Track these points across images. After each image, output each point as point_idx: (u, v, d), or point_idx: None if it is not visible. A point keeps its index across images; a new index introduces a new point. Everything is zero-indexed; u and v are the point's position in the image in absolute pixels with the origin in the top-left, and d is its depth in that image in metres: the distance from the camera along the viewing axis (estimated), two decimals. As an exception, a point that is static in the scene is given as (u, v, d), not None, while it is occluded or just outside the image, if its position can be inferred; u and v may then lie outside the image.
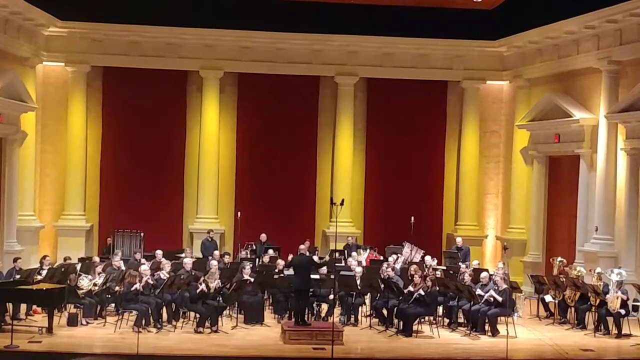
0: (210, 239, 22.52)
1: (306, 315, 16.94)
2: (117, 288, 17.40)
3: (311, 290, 17.20)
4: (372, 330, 17.32)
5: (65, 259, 19.46)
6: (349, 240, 22.78)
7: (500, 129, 25.31)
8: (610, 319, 17.21)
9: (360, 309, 18.15)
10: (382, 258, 21.35)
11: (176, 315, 17.34)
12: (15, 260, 18.25)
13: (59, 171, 24.00)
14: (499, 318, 17.15)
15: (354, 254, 21.29)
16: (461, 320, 17.74)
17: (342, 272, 18.68)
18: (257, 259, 20.87)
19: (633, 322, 17.50)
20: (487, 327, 17.06)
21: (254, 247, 22.14)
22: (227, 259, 20.27)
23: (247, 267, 18.29)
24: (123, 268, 18.54)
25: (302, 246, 21.00)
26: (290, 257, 19.66)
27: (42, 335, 15.73)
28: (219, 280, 17.38)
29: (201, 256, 21.55)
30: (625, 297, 17.17)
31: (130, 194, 24.02)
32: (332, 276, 18.28)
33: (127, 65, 23.73)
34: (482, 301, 17.10)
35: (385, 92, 24.78)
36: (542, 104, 22.75)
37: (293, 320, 16.91)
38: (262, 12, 23.43)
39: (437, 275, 18.39)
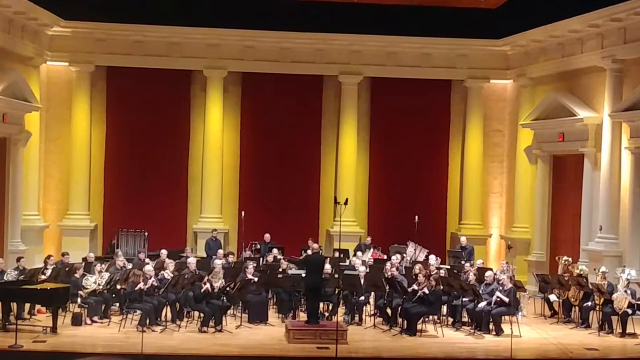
0: (214, 239, 22.53)
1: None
2: (118, 286, 17.42)
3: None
4: (376, 329, 17.31)
5: (63, 254, 19.49)
6: (369, 240, 22.74)
7: (504, 128, 25.28)
8: (614, 318, 17.18)
9: (364, 308, 18.16)
10: (385, 257, 21.34)
11: (180, 314, 17.35)
12: (18, 259, 18.29)
13: (63, 171, 24.02)
14: (503, 317, 17.14)
15: (358, 253, 21.31)
16: (465, 319, 17.73)
17: (346, 272, 18.68)
18: (261, 259, 20.89)
19: (637, 321, 17.47)
20: (491, 326, 17.04)
21: (258, 246, 22.15)
22: (231, 258, 20.30)
23: (251, 266, 18.32)
24: (129, 266, 18.60)
25: (314, 245, 20.99)
26: (304, 254, 19.71)
27: (47, 335, 15.76)
28: (223, 280, 17.40)
29: (205, 256, 21.57)
30: (632, 297, 17.14)
31: (134, 194, 24.04)
32: (337, 275, 18.29)
33: (131, 65, 23.74)
34: (492, 303, 17.03)
35: (388, 91, 24.75)
36: (546, 103, 22.72)
37: (302, 318, 16.92)
38: (266, 11, 23.43)
39: (441, 275, 18.39)
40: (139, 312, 16.66)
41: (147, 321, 16.49)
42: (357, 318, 17.86)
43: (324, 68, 24.38)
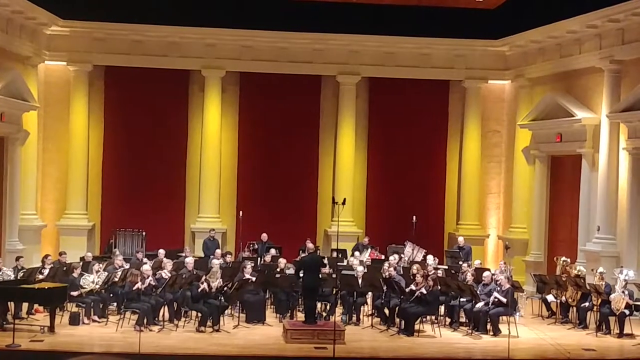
0: (211, 238, 22.53)
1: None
2: (114, 278, 17.40)
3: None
4: (374, 329, 17.32)
5: (60, 254, 19.48)
6: (366, 240, 22.74)
7: (502, 128, 25.29)
8: (612, 319, 17.19)
9: (362, 308, 18.16)
10: (383, 257, 21.35)
11: (178, 314, 17.34)
12: (17, 259, 18.29)
13: (61, 170, 24.00)
14: (500, 317, 17.15)
15: (356, 253, 21.31)
16: (463, 319, 17.74)
17: (343, 272, 18.68)
18: (259, 258, 20.89)
19: (635, 321, 17.49)
20: (488, 327, 17.05)
21: (256, 246, 22.15)
22: (228, 258, 20.30)
23: (249, 266, 18.32)
24: (126, 266, 18.59)
25: (310, 245, 20.99)
26: (301, 254, 19.71)
27: (44, 334, 15.75)
28: (221, 280, 17.40)
29: (203, 255, 21.57)
30: (630, 297, 17.14)
31: (132, 193, 24.03)
32: (334, 275, 18.29)
33: (129, 65, 23.73)
34: (490, 303, 17.04)
35: (387, 91, 24.76)
36: (544, 104, 22.74)
37: (299, 318, 16.93)
38: (264, 11, 23.44)
39: (439, 275, 18.39)
40: (136, 311, 16.65)
41: (145, 321, 16.48)
42: (354, 318, 17.86)
43: (322, 68, 24.38)
